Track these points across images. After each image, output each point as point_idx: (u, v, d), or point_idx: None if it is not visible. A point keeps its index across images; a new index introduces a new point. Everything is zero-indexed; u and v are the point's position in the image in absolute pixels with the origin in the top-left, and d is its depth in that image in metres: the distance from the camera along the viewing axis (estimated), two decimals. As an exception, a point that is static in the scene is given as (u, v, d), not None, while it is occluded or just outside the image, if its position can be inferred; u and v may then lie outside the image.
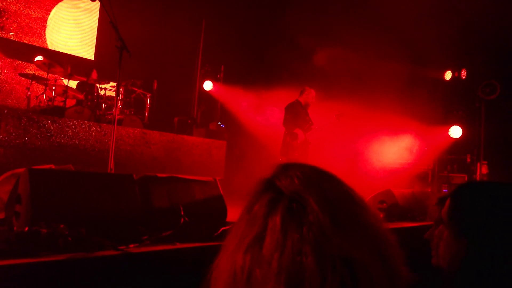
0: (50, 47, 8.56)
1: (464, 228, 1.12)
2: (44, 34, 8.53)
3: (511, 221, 1.06)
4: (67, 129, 5.81)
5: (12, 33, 7.88)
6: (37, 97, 7.01)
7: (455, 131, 8.24)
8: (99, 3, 4.07)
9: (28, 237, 1.83)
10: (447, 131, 8.21)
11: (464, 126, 8.19)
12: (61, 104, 6.86)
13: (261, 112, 8.77)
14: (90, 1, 4.24)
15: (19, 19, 8.21)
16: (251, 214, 0.67)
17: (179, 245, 2.18)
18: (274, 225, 0.62)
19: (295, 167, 0.72)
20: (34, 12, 8.42)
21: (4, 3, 7.99)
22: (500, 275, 1.02)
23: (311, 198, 0.65)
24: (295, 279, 0.58)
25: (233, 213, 3.19)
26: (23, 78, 7.45)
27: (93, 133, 6.02)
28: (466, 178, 8.05)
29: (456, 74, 8.63)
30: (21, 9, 8.23)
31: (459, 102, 8.46)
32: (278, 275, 0.58)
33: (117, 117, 4.13)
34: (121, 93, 7.29)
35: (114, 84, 6.43)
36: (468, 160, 8.23)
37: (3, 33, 7.96)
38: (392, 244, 0.68)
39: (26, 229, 1.86)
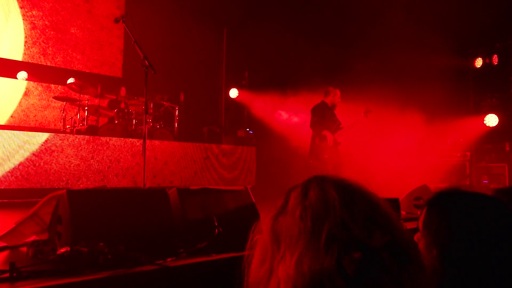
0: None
1: (434, 240, 1.04)
2: (72, 55, 8.85)
3: (486, 238, 0.98)
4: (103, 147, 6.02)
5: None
6: (71, 118, 7.29)
7: (491, 120, 7.94)
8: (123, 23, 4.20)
9: (71, 257, 1.91)
10: (482, 120, 7.92)
11: (499, 114, 7.88)
12: (94, 123, 7.11)
13: (288, 115, 8.76)
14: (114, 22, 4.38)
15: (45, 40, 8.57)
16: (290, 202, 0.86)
17: (215, 256, 2.21)
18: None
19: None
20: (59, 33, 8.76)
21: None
22: None
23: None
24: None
25: (266, 220, 3.19)
26: (56, 101, 7.76)
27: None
28: (506, 168, 7.74)
29: (488, 61, 8.33)
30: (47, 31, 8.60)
31: (493, 89, 8.16)
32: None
33: (147, 132, 4.25)
34: (150, 108, 7.49)
35: (143, 99, 6.63)
36: (507, 148, 7.91)
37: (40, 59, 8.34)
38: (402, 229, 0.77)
39: (69, 249, 1.94)
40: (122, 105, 7.36)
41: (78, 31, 8.82)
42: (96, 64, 9.10)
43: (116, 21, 3.95)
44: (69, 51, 8.74)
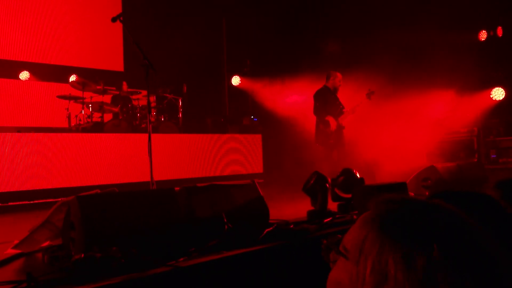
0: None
1: None
2: (75, 53, 8.84)
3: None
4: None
5: None
6: (76, 116, 7.32)
7: (498, 93, 7.84)
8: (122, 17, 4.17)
9: (85, 263, 1.95)
10: (489, 94, 7.83)
11: (506, 87, 7.78)
12: (99, 119, 7.14)
13: (291, 100, 8.73)
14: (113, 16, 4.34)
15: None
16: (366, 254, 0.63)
17: (226, 253, 2.24)
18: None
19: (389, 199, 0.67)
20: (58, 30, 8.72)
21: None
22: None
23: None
24: None
25: (275, 210, 3.23)
26: (61, 99, 7.78)
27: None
28: (515, 141, 7.67)
29: (492, 33, 8.17)
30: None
31: (498, 62, 8.03)
32: None
33: (152, 126, 4.27)
34: (153, 101, 7.50)
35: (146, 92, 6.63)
36: (515, 121, 7.83)
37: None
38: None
39: (82, 255, 1.98)
40: (126, 100, 7.36)
41: (78, 26, 8.78)
42: (97, 60, 9.08)
43: (113, 20, 3.92)
44: (69, 47, 8.72)
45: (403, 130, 7.38)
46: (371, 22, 7.97)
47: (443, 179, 4.44)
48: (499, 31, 8.11)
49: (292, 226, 2.81)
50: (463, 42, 8.06)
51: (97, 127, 6.75)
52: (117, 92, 7.52)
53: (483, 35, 8.32)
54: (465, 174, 4.87)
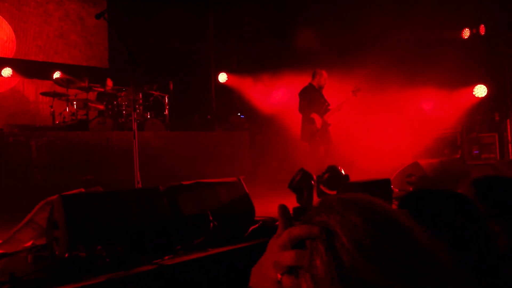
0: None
1: None
2: (60, 49, 8.72)
3: (452, 239, 0.96)
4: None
5: None
6: (60, 113, 7.23)
7: (480, 90, 7.98)
8: (107, 14, 4.13)
9: (70, 263, 1.94)
10: (471, 91, 7.97)
11: (488, 84, 7.92)
12: (84, 117, 7.06)
13: (278, 98, 8.74)
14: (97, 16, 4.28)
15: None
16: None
17: (211, 251, 2.26)
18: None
19: (330, 200, 0.70)
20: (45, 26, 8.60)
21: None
22: None
23: (336, 225, 0.65)
24: None
25: (261, 207, 3.24)
26: (45, 96, 7.67)
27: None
28: (496, 137, 7.83)
29: (474, 31, 8.30)
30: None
31: (481, 60, 8.16)
32: None
33: (136, 126, 4.25)
34: (140, 98, 7.44)
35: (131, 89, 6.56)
36: (497, 118, 7.98)
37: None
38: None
39: (67, 255, 1.98)
40: (112, 97, 7.30)
41: (62, 21, 8.65)
42: (82, 56, 8.97)
43: (97, 17, 3.88)
44: (53, 43, 8.59)
45: (389, 127, 7.46)
46: (357, 19, 8.01)
47: (426, 175, 4.52)
48: (482, 29, 8.23)
49: (277, 223, 2.84)
50: (446, 40, 8.17)
51: (82, 125, 6.67)
52: (102, 90, 7.44)
53: (466, 33, 8.44)
54: (448, 170, 4.95)
